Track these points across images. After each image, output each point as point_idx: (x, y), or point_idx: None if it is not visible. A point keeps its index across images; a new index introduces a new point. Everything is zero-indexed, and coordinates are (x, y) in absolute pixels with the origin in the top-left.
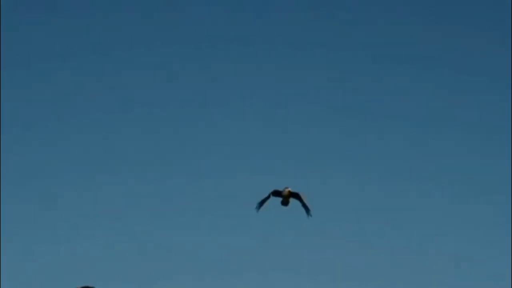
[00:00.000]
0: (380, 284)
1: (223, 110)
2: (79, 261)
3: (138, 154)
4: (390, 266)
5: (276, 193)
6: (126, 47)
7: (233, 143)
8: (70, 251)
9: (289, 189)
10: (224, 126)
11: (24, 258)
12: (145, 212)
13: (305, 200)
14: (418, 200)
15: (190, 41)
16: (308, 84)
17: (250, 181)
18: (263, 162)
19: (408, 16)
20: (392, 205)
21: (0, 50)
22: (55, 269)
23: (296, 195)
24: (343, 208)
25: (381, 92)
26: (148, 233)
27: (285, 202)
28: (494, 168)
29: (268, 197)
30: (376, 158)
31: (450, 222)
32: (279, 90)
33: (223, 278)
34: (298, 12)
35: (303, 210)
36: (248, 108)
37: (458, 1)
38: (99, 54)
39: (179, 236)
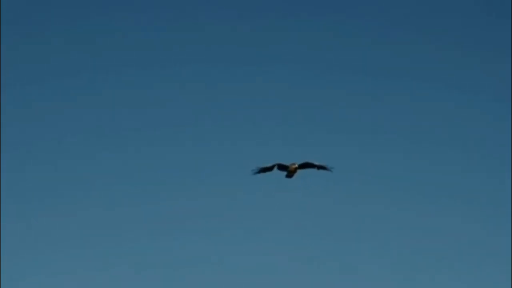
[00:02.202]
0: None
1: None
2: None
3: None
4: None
5: (282, 167)
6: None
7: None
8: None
9: (296, 165)
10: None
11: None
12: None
13: (317, 163)
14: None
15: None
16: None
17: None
18: None
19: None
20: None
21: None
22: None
23: (305, 165)
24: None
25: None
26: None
27: (290, 176)
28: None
29: (271, 168)
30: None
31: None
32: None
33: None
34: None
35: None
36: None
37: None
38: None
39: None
